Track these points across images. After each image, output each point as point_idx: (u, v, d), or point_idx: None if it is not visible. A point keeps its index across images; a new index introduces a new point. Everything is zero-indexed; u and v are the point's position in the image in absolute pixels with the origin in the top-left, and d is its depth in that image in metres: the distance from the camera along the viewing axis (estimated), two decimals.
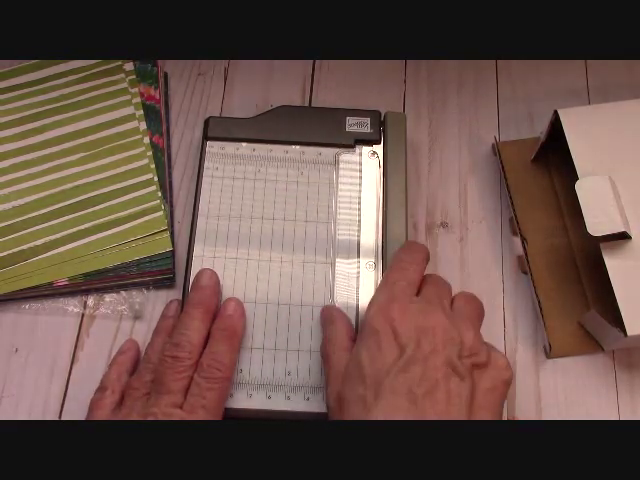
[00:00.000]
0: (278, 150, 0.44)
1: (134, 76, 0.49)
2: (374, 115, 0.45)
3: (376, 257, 0.41)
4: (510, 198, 0.44)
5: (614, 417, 0.40)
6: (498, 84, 0.50)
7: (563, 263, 0.43)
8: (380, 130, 0.44)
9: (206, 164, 0.44)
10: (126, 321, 0.42)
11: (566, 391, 0.41)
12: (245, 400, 0.37)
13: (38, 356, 0.41)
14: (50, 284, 0.42)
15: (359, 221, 0.42)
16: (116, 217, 0.44)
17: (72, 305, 0.42)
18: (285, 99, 0.49)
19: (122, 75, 0.49)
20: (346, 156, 0.44)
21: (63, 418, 0.39)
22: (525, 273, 0.43)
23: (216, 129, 0.45)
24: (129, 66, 0.49)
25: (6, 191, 0.44)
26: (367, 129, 0.44)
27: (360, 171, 0.43)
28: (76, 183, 0.45)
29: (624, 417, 0.40)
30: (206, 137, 0.44)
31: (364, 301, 0.40)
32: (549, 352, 0.41)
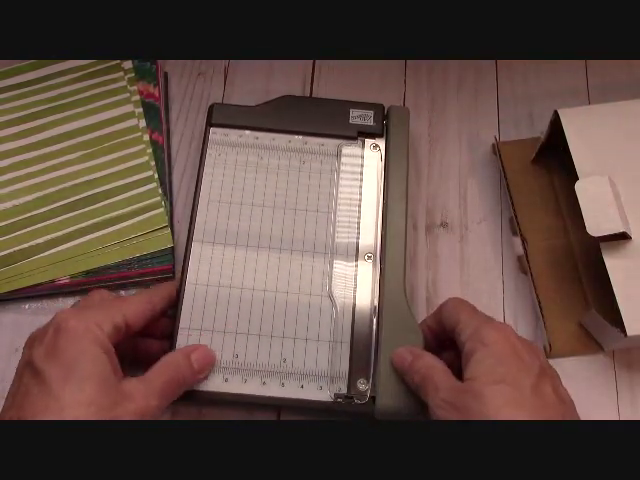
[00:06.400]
0: (281, 139, 0.44)
1: (133, 74, 0.49)
2: (377, 108, 0.45)
3: (375, 249, 0.41)
4: (510, 198, 0.44)
5: (614, 417, 0.40)
6: (498, 84, 0.50)
7: (563, 263, 0.43)
8: (383, 123, 0.45)
9: (209, 151, 0.43)
10: None
11: None
12: (240, 385, 0.37)
13: None
14: (51, 282, 0.42)
15: (359, 213, 0.42)
16: (117, 214, 0.44)
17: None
18: None
19: (121, 73, 0.49)
20: (348, 148, 0.44)
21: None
22: (525, 273, 0.43)
23: (220, 116, 0.44)
24: (128, 64, 0.49)
25: (6, 190, 0.44)
26: (370, 122, 0.45)
27: (362, 165, 0.44)
28: (76, 181, 0.45)
29: (624, 417, 0.40)
30: (210, 123, 0.44)
31: (361, 292, 0.40)
32: (549, 352, 0.41)
